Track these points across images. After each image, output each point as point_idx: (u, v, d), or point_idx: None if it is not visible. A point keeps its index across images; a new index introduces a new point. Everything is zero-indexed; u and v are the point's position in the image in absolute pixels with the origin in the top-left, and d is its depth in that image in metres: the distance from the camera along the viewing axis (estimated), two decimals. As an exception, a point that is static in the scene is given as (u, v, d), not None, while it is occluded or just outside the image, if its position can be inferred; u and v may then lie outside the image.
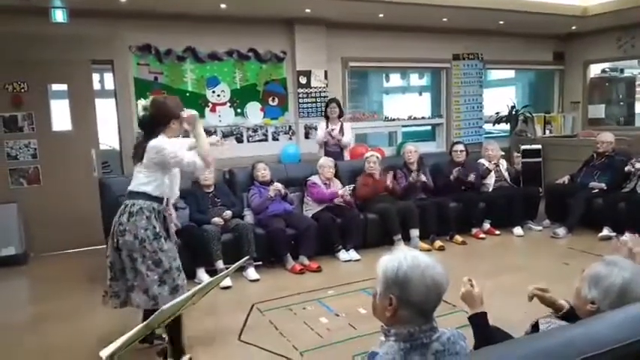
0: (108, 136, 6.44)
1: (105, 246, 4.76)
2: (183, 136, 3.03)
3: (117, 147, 6.09)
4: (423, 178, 5.57)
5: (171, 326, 2.73)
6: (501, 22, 6.98)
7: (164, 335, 2.87)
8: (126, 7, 5.26)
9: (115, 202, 4.60)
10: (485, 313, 1.87)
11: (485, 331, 1.85)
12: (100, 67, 6.02)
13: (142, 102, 2.94)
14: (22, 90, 5.26)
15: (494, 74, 9.15)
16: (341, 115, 5.93)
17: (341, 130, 5.84)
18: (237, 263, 2.68)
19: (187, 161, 2.77)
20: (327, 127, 5.83)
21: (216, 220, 4.57)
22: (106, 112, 6.02)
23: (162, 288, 2.73)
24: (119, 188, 4.70)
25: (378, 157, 5.53)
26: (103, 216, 4.81)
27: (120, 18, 5.48)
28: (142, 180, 2.81)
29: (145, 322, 1.58)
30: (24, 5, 4.75)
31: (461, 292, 1.87)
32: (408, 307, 1.44)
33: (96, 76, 6.51)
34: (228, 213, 4.64)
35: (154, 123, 2.83)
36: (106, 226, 4.76)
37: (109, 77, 6.41)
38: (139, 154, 2.82)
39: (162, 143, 2.75)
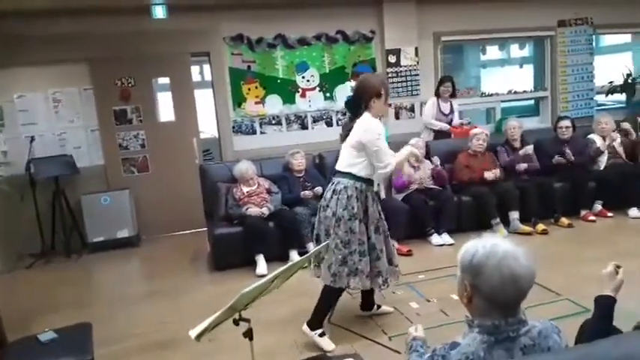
0: (207, 125, 6.79)
1: (205, 228, 5.15)
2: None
3: (216, 135, 6.41)
4: (530, 150, 5.25)
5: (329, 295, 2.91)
6: (615, -19, 6.26)
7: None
8: (219, -1, 5.47)
9: (214, 186, 4.89)
10: (614, 300, 1.77)
11: (604, 316, 1.76)
12: (197, 59, 6.35)
13: (351, 83, 2.99)
14: (130, 84, 5.71)
15: (607, 39, 8.26)
16: (453, 94, 5.83)
17: (451, 109, 5.81)
18: (322, 244, 2.69)
19: (385, 160, 2.77)
20: (438, 105, 5.76)
21: (307, 193, 4.72)
22: (204, 101, 6.36)
23: (342, 268, 2.84)
24: (218, 174, 4.98)
25: (487, 135, 5.24)
26: (203, 200, 5.12)
27: (214, 10, 5.73)
28: (347, 160, 2.86)
29: (229, 304, 1.65)
30: (127, 4, 5.12)
31: (603, 270, 1.84)
32: (481, 296, 1.35)
33: (194, 68, 6.85)
34: (318, 189, 4.70)
35: (356, 101, 2.84)
36: (206, 210, 5.08)
37: (206, 68, 6.73)
38: (345, 135, 2.88)
39: (375, 127, 2.75)
